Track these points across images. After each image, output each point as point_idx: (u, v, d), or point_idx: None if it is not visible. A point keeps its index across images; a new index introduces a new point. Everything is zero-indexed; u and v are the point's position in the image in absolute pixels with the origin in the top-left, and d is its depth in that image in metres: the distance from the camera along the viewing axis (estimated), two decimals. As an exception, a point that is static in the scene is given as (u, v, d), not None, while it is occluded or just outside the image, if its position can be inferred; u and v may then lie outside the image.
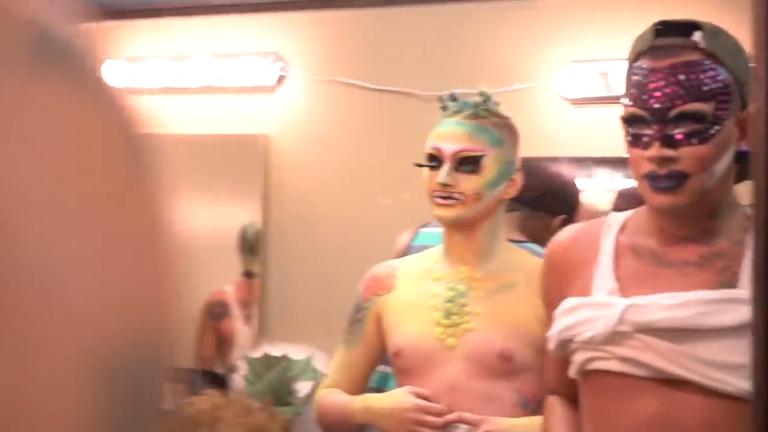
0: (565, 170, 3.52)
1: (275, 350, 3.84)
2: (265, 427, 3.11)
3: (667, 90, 1.89)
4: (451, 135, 2.46)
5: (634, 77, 1.94)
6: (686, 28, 1.94)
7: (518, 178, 2.50)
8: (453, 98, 2.54)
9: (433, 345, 2.46)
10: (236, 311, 4.67)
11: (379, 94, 4.49)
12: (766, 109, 1.46)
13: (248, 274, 4.67)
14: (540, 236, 2.88)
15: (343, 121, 4.62)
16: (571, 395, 2.14)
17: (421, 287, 2.53)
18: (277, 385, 3.62)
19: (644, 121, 1.91)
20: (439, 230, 2.66)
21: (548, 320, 2.10)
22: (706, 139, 1.88)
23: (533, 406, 2.37)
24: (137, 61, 4.90)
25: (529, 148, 4.19)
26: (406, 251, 3.18)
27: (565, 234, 2.16)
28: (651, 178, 1.90)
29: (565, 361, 2.07)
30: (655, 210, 1.96)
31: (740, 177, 1.97)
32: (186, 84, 4.84)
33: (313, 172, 4.63)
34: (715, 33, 1.94)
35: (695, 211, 1.93)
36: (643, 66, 1.93)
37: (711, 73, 1.89)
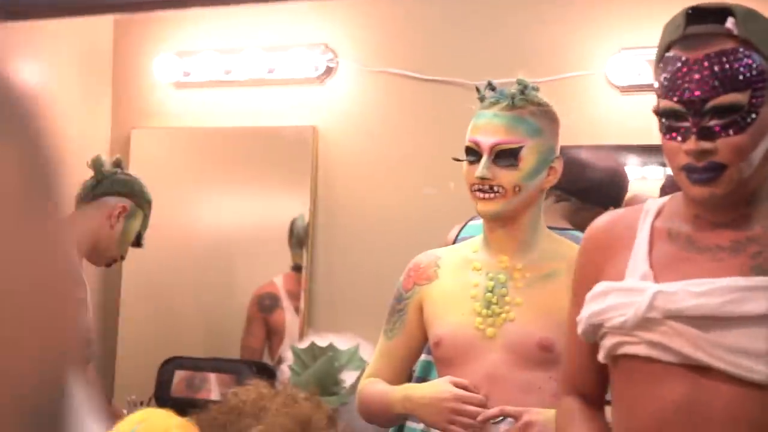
0: (615, 160, 3.50)
1: (321, 340, 3.85)
2: (311, 417, 3.09)
3: (702, 83, 1.85)
4: (488, 127, 2.43)
5: (668, 68, 1.91)
6: (718, 13, 1.90)
7: (558, 166, 2.47)
8: (491, 88, 2.51)
9: (473, 335, 2.46)
10: (286, 303, 4.67)
11: (427, 84, 4.47)
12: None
13: (297, 268, 4.68)
14: None
15: (391, 112, 4.61)
16: (590, 392, 2.11)
17: (462, 277, 2.52)
18: (323, 375, 3.63)
19: (679, 113, 1.89)
20: None
21: (573, 305, 2.07)
22: (743, 129, 1.85)
23: None
24: (187, 55, 4.92)
25: (578, 135, 4.19)
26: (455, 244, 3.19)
27: (604, 219, 2.15)
28: (689, 170, 1.88)
29: (590, 348, 2.04)
30: (692, 200, 1.94)
31: None
32: (236, 77, 4.85)
33: (361, 163, 4.63)
34: (748, 17, 1.89)
35: (732, 199, 1.91)
36: (676, 56, 1.89)
37: (746, 61, 1.86)
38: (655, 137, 2.00)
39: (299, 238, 4.68)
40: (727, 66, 1.85)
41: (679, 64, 1.88)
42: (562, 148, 4.17)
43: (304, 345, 3.95)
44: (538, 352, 2.40)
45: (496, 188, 2.40)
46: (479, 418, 2.37)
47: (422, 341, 2.60)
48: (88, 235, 3.62)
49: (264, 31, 4.80)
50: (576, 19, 4.31)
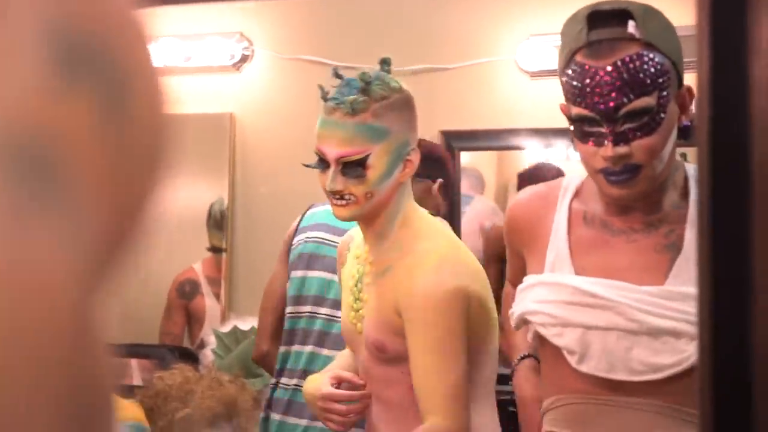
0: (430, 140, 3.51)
1: (243, 324, 3.92)
2: (237, 399, 3.17)
3: (613, 92, 1.90)
4: (331, 138, 2.31)
5: (575, 76, 1.94)
6: (618, 15, 1.94)
7: (414, 158, 2.34)
8: (337, 75, 2.43)
9: (350, 329, 2.46)
10: (205, 288, 4.71)
11: (342, 71, 4.52)
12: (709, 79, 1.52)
13: (215, 250, 4.72)
14: (424, 201, 2.78)
15: (305, 98, 4.64)
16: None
17: (351, 265, 2.49)
18: (246, 357, 3.69)
19: (593, 120, 1.95)
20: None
21: (511, 266, 2.21)
22: (654, 129, 1.92)
23: None
24: (102, 43, 4.93)
25: (489, 120, 4.31)
26: (293, 234, 3.26)
27: (524, 195, 2.23)
28: (606, 173, 1.96)
29: (518, 261, 2.20)
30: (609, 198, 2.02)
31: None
32: (151, 65, 4.87)
33: (278, 148, 4.69)
34: (646, 17, 1.94)
35: (647, 192, 2.00)
36: (583, 64, 1.93)
37: (651, 63, 1.91)
38: (563, 121, 2.07)
39: (216, 221, 4.71)
40: (635, 72, 1.90)
41: (588, 74, 1.92)
42: (478, 133, 4.31)
43: (226, 329, 4.00)
44: (377, 351, 2.34)
45: (347, 196, 2.30)
46: (343, 409, 2.37)
47: None
48: None
49: (180, 20, 4.83)
50: (486, 5, 4.41)
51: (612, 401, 1.97)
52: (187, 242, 4.79)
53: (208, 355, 4.10)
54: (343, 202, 2.31)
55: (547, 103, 4.16)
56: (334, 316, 2.99)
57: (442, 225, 2.46)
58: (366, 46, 4.49)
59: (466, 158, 4.40)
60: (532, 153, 4.41)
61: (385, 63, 2.40)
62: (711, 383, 0.66)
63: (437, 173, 3.27)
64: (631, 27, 1.93)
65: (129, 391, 3.58)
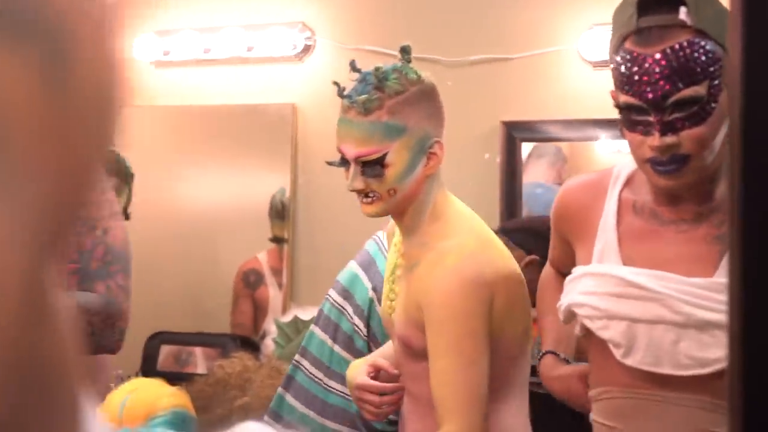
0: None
1: (304, 314, 3.93)
2: (295, 388, 3.19)
3: (661, 81, 1.87)
4: (349, 137, 2.30)
5: (624, 63, 1.92)
6: (670, 2, 1.91)
7: (439, 150, 2.31)
8: (354, 69, 2.41)
9: (387, 319, 2.46)
10: (269, 279, 4.74)
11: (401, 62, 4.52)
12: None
13: (277, 240, 4.74)
14: None
15: (368, 89, 4.68)
16: (560, 267, 2.25)
17: (392, 252, 2.49)
18: (306, 347, 3.70)
19: (641, 109, 1.91)
20: None
21: (554, 248, 2.20)
22: (704, 119, 1.88)
23: None
24: (167, 35, 4.97)
25: (551, 110, 4.28)
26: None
27: (574, 183, 2.21)
28: (653, 162, 1.92)
29: (561, 246, 2.20)
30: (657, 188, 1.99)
31: None
32: (215, 56, 4.90)
33: (340, 139, 4.69)
34: (700, 2, 1.90)
35: (696, 183, 1.96)
36: (632, 52, 1.90)
37: (702, 51, 1.86)
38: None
39: (278, 211, 4.73)
40: (685, 60, 1.86)
41: (636, 61, 1.89)
42: (537, 123, 4.27)
43: (287, 318, 4.02)
44: (404, 347, 2.34)
45: (371, 194, 2.29)
46: (376, 400, 2.36)
47: None
48: None
49: (242, 10, 4.86)
50: (549, -5, 4.38)
51: (657, 396, 1.94)
52: (249, 233, 4.82)
53: (269, 345, 4.12)
54: (369, 199, 2.30)
55: (609, 94, 4.13)
56: None
57: (475, 220, 2.39)
58: (427, 36, 4.49)
59: (527, 149, 4.37)
60: (594, 144, 4.37)
61: (404, 52, 2.37)
62: (741, 377, 0.65)
63: (537, 248, 3.14)
64: (682, 13, 1.89)
65: (191, 379, 3.63)
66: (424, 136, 2.28)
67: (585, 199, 2.12)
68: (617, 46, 1.95)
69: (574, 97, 4.29)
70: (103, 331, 2.46)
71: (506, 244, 2.36)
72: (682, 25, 1.89)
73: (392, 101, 2.26)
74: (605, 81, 4.21)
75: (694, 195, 2.00)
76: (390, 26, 4.63)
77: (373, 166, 2.26)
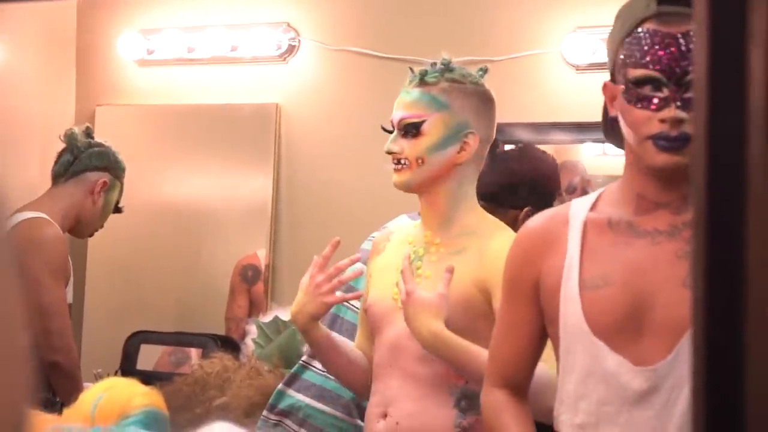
0: (527, 161, 3.40)
1: (285, 314, 3.92)
2: (274, 388, 3.19)
3: (683, 59, 1.89)
4: (399, 104, 2.54)
5: (644, 40, 1.93)
6: None
7: (473, 142, 2.50)
8: (432, 65, 2.57)
9: (389, 304, 2.54)
10: (265, 276, 4.74)
11: (387, 62, 4.53)
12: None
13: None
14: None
15: (352, 90, 4.68)
16: (520, 383, 2.12)
17: (399, 250, 2.59)
18: (286, 348, 3.69)
19: (660, 82, 1.92)
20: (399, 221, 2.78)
21: (506, 302, 2.11)
22: None
23: None
24: (151, 34, 4.96)
25: (535, 113, 4.29)
26: None
27: (537, 219, 2.14)
28: (659, 138, 1.93)
29: (528, 341, 2.09)
30: (649, 170, 1.97)
31: None
32: (199, 55, 4.90)
33: (323, 139, 4.70)
34: None
35: (682, 174, 1.96)
36: (653, 30, 1.92)
37: None
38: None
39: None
40: None
41: (659, 35, 1.91)
42: (519, 125, 4.27)
43: (267, 319, 4.01)
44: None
45: (402, 161, 2.50)
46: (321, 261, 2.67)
47: None
48: (71, 211, 3.73)
49: (227, 10, 4.85)
50: (533, -1, 4.39)
51: None
52: (233, 231, 4.82)
53: (249, 345, 4.11)
54: (399, 166, 2.50)
55: (593, 97, 4.13)
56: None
57: None
58: (411, 38, 4.49)
59: (510, 151, 4.37)
60: (578, 147, 4.38)
61: (443, 62, 2.55)
62: (703, 383, 0.65)
63: (526, 202, 3.20)
64: None
65: (169, 378, 3.62)
66: (464, 122, 2.50)
67: (549, 228, 2.09)
68: (632, 28, 1.96)
69: (557, 100, 4.29)
70: None
71: (497, 210, 2.67)
72: None
73: (447, 84, 2.51)
74: (589, 84, 4.24)
75: (672, 200, 1.99)
76: (374, 28, 4.63)
77: (410, 129, 2.49)
